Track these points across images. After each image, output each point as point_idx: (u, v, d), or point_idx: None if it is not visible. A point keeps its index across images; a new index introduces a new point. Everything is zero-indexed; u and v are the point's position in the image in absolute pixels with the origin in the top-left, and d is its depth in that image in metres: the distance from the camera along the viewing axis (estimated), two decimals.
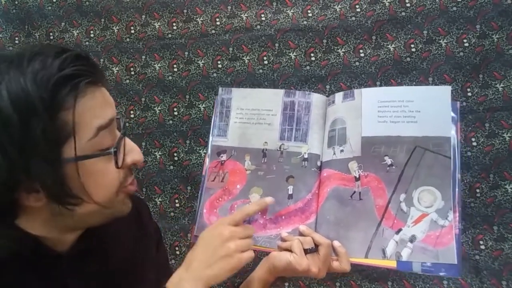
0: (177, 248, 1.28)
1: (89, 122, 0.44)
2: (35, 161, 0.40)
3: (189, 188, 1.30)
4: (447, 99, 0.63)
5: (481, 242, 1.11)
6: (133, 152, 0.51)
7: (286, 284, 1.21)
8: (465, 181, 1.12)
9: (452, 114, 0.62)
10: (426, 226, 0.60)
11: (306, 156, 0.69)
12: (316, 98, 0.71)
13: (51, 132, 0.41)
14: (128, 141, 0.51)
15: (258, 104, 0.74)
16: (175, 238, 1.29)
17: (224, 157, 0.73)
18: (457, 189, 0.60)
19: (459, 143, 0.62)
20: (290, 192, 0.68)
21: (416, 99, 0.64)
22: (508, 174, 1.10)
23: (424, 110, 0.63)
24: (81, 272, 0.53)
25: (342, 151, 0.67)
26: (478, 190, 1.12)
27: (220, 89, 0.77)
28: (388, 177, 0.63)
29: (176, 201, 1.31)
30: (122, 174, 0.50)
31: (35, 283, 0.49)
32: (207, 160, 0.75)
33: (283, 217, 0.68)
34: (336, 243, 0.63)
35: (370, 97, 0.67)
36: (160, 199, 1.31)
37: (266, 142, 0.72)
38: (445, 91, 0.64)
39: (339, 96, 0.69)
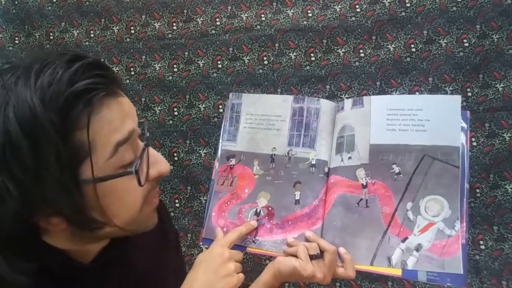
0: None
1: (106, 139, 0.40)
2: (50, 187, 0.37)
3: (189, 188, 1.30)
4: (457, 109, 0.62)
5: (481, 242, 1.11)
6: (158, 164, 0.47)
7: (286, 284, 1.21)
8: None
9: (462, 124, 0.62)
10: (433, 235, 0.60)
11: (313, 162, 0.70)
12: (325, 104, 0.72)
13: (65, 155, 0.37)
14: (152, 152, 0.47)
15: (267, 110, 0.75)
16: None
17: (233, 161, 0.75)
18: (465, 199, 0.60)
19: (468, 153, 0.61)
20: (297, 197, 0.69)
21: (425, 108, 0.64)
22: (508, 174, 1.10)
23: (433, 119, 0.63)
24: (105, 283, 0.51)
25: (350, 158, 0.67)
26: (478, 190, 1.12)
27: (230, 94, 0.78)
28: (396, 185, 0.63)
29: (176, 201, 1.31)
30: (147, 188, 0.46)
31: None
32: (216, 164, 0.76)
33: (290, 222, 0.68)
34: (341, 250, 0.63)
35: (379, 104, 0.67)
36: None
37: (274, 148, 0.73)
38: (455, 100, 0.63)
39: (348, 102, 0.69)
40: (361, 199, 0.65)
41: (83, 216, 0.41)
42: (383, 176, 0.64)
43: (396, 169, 0.64)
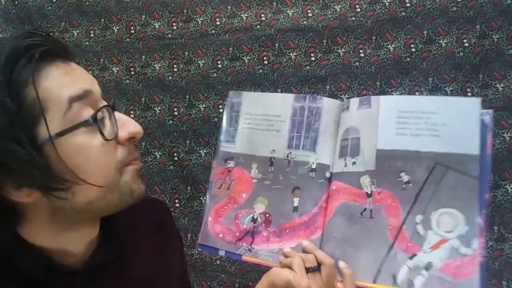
0: None
1: (58, 93, 0.40)
2: (5, 147, 0.37)
3: (189, 188, 1.30)
4: (476, 113, 0.55)
5: None
6: (127, 125, 0.46)
7: None
8: None
9: (486, 123, 0.55)
10: (446, 254, 0.53)
11: (314, 166, 0.65)
12: (328, 103, 0.66)
13: (16, 112, 0.37)
14: (120, 115, 0.47)
15: (267, 109, 0.70)
16: None
17: (231, 163, 0.71)
18: (483, 211, 0.53)
19: (489, 157, 0.54)
20: (296, 204, 0.64)
21: (441, 111, 0.57)
22: (509, 174, 1.10)
23: (449, 123, 0.56)
24: None
25: (354, 163, 0.61)
26: None
27: (230, 92, 0.74)
28: (404, 196, 0.57)
29: (176, 201, 1.31)
30: (121, 150, 0.46)
31: None
32: (214, 165, 0.73)
33: (287, 230, 0.64)
34: (341, 264, 0.58)
35: (389, 106, 0.60)
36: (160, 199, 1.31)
37: (273, 150, 0.68)
38: (475, 103, 0.56)
39: (354, 102, 0.64)
40: (365, 209, 0.59)
41: (49, 177, 0.40)
42: (390, 185, 0.58)
43: (405, 177, 0.58)
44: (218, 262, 1.26)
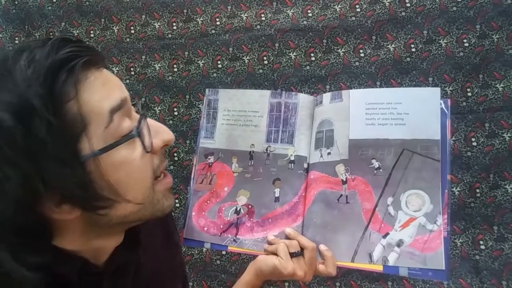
0: None
1: (99, 107, 0.39)
2: (48, 166, 0.35)
3: (189, 188, 1.30)
4: (436, 101, 0.62)
5: (481, 242, 1.11)
6: (161, 132, 0.45)
7: (286, 284, 1.21)
8: (465, 181, 1.12)
9: (445, 111, 0.61)
10: (414, 231, 0.59)
11: (292, 158, 0.69)
12: (303, 99, 0.71)
13: (59, 130, 0.35)
14: (152, 122, 0.45)
15: (244, 106, 0.73)
16: None
17: (211, 159, 0.73)
18: (446, 191, 0.59)
19: (450, 142, 0.61)
20: (277, 195, 0.68)
21: (404, 101, 0.63)
22: (508, 174, 1.10)
23: (412, 112, 0.62)
24: (121, 287, 0.50)
25: (329, 153, 0.66)
26: (478, 190, 1.12)
27: (206, 90, 0.76)
28: (376, 181, 0.62)
29: (176, 201, 1.31)
30: (155, 160, 0.45)
31: None
32: (195, 162, 0.75)
33: (270, 220, 0.67)
34: (322, 247, 0.62)
35: (358, 98, 0.65)
36: None
37: (253, 144, 0.71)
38: (435, 92, 0.62)
39: (326, 96, 0.68)
40: (341, 195, 0.64)
41: (88, 193, 0.38)
42: (363, 172, 0.63)
43: (376, 164, 0.63)
44: (218, 262, 1.26)
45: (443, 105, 0.62)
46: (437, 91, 0.62)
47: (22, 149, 0.34)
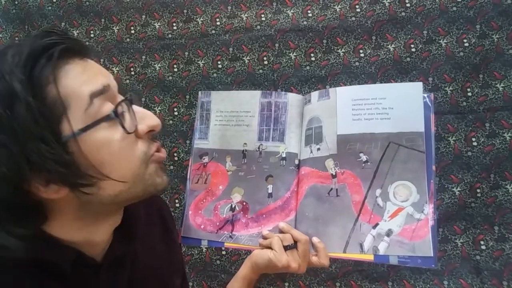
0: None
1: (78, 90, 0.41)
2: (32, 146, 0.38)
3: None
4: (419, 95, 0.64)
5: (481, 242, 1.11)
6: (146, 118, 0.47)
7: (286, 284, 1.21)
8: (466, 181, 1.12)
9: (429, 105, 0.64)
10: (402, 220, 0.61)
11: (284, 155, 0.71)
12: (292, 98, 0.73)
13: (40, 111, 0.38)
14: (139, 109, 0.47)
15: (236, 106, 0.76)
16: None
17: (206, 159, 0.76)
18: (432, 181, 0.61)
19: (433, 134, 0.62)
20: (270, 191, 0.70)
21: (388, 96, 0.65)
22: (509, 174, 1.10)
23: (396, 106, 0.64)
24: (116, 281, 0.50)
25: (319, 149, 0.68)
26: (478, 190, 1.11)
27: (199, 92, 0.79)
28: (364, 173, 0.65)
29: (176, 201, 1.30)
30: (142, 144, 0.47)
31: None
32: (190, 163, 0.77)
33: (264, 215, 0.70)
34: (315, 239, 0.64)
35: (344, 95, 0.68)
36: None
37: (245, 143, 0.74)
38: (417, 87, 0.65)
39: (314, 95, 0.71)
40: (332, 188, 0.66)
41: (76, 173, 0.40)
42: (351, 165, 0.65)
43: (364, 157, 0.65)
44: (218, 262, 1.25)
45: (427, 99, 0.64)
46: (419, 85, 0.65)
47: (7, 131, 0.37)
